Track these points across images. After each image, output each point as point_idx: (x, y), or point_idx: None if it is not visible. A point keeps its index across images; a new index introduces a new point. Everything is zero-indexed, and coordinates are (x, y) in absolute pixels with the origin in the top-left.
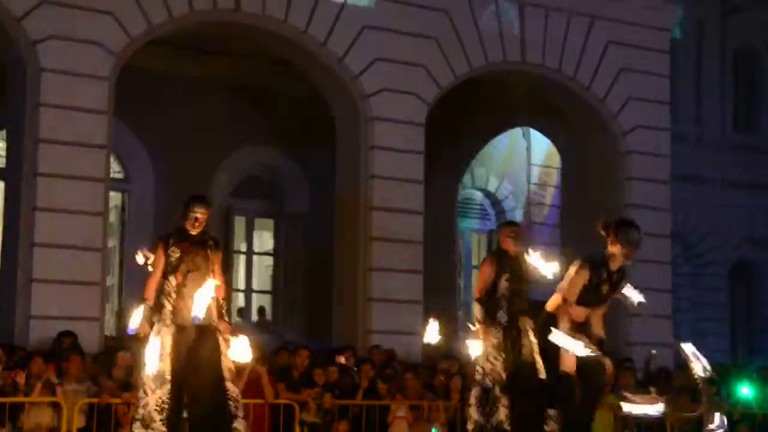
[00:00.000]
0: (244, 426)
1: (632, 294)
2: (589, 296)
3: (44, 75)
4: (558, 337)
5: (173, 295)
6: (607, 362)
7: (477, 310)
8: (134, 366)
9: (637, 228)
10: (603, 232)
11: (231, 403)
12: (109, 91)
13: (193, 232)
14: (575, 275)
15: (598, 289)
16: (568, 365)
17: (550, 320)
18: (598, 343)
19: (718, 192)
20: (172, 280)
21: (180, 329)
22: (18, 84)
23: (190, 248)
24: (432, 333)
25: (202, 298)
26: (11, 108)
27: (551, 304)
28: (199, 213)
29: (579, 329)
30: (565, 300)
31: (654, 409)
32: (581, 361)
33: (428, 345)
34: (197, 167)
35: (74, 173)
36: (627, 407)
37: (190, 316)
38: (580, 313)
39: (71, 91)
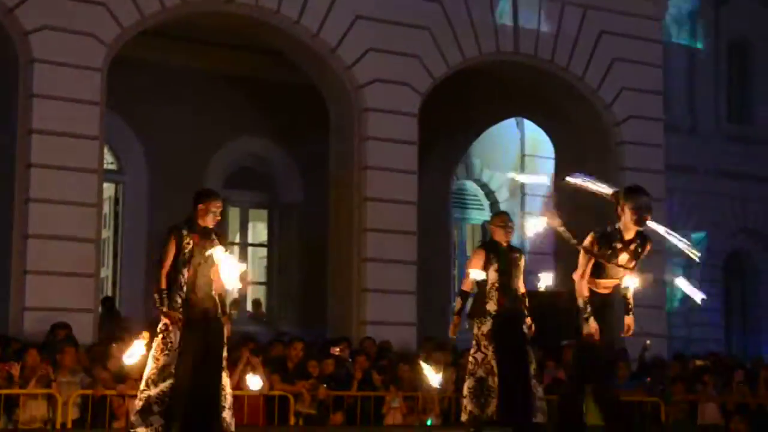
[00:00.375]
0: (230, 416)
1: (691, 291)
2: (607, 267)
3: (37, 66)
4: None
5: (185, 288)
6: (627, 321)
7: (458, 302)
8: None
9: (645, 193)
10: (614, 202)
11: (224, 394)
12: (102, 82)
13: (211, 226)
14: (587, 243)
15: (616, 258)
16: (590, 331)
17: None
18: (624, 302)
19: (712, 182)
20: (185, 273)
21: (191, 323)
22: (10, 75)
23: (201, 241)
24: None
25: (231, 270)
26: (4, 99)
27: (576, 276)
28: (218, 207)
29: (605, 303)
30: (582, 275)
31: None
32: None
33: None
34: (191, 158)
35: (67, 164)
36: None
37: (201, 310)
38: (606, 285)
39: (64, 82)
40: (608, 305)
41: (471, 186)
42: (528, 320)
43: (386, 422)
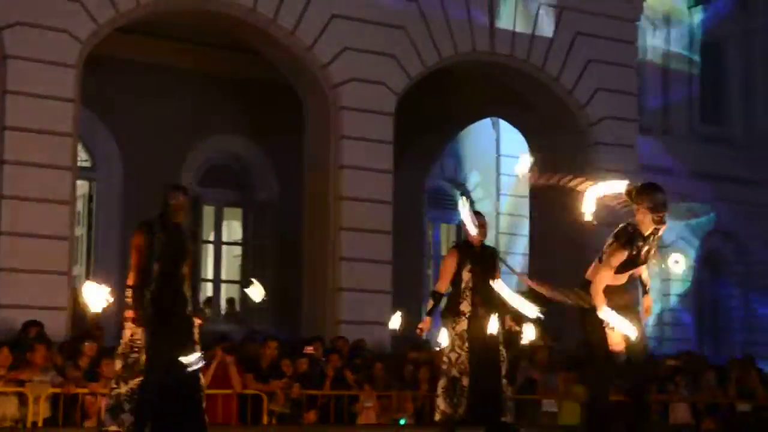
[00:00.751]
0: (203, 416)
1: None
2: (629, 265)
3: (10, 62)
4: (606, 314)
5: (154, 285)
6: (646, 301)
7: (430, 302)
8: (102, 355)
9: (661, 190)
10: (629, 200)
11: (201, 394)
12: (77, 79)
13: (179, 221)
14: (613, 257)
15: (638, 255)
16: (616, 343)
17: (586, 290)
18: (641, 282)
19: (685, 183)
20: (155, 269)
21: (160, 319)
22: None
23: (171, 238)
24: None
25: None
26: None
27: (590, 274)
28: (186, 202)
29: (615, 297)
30: (600, 281)
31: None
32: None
33: (395, 334)
34: (165, 156)
35: (41, 161)
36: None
37: (170, 306)
38: (622, 278)
39: (38, 79)
40: (628, 305)
41: (446, 186)
42: (502, 320)
43: (359, 421)
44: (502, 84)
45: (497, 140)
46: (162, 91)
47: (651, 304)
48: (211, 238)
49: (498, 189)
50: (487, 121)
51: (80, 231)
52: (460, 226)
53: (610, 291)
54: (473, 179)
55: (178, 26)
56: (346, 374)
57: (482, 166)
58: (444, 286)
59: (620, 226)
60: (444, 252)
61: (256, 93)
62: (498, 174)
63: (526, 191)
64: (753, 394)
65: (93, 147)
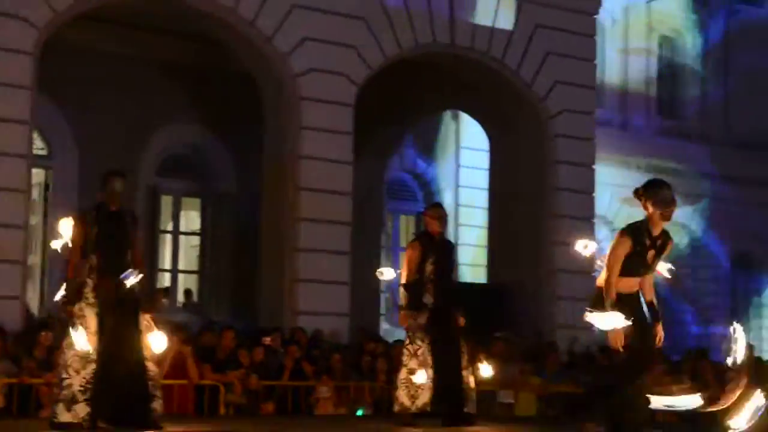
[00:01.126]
0: (161, 405)
1: (660, 266)
2: (634, 265)
3: None
4: (592, 317)
5: (95, 273)
6: (657, 329)
7: (402, 295)
8: (56, 346)
9: (668, 186)
10: (637, 199)
11: (150, 383)
12: (33, 66)
13: (113, 208)
14: (617, 245)
15: (643, 256)
16: (616, 339)
17: (599, 298)
18: (650, 308)
19: (643, 177)
20: (93, 258)
21: (104, 307)
22: None
23: (109, 224)
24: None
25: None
26: None
27: (600, 281)
28: (119, 187)
29: (628, 302)
30: (610, 275)
31: (690, 401)
32: (627, 331)
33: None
34: (122, 145)
35: None
36: (661, 401)
37: (114, 293)
38: (630, 284)
39: None
40: (637, 303)
41: (406, 177)
42: (460, 312)
43: (317, 412)
44: (462, 76)
45: (457, 132)
46: (120, 79)
47: (661, 333)
48: (169, 227)
49: (457, 181)
50: (447, 113)
51: (35, 220)
52: (419, 217)
53: (622, 301)
54: (433, 171)
55: (137, 14)
56: (303, 365)
57: (442, 157)
58: (410, 278)
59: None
60: (403, 243)
61: (215, 82)
62: (458, 166)
63: (485, 183)
64: (706, 385)
65: (49, 135)
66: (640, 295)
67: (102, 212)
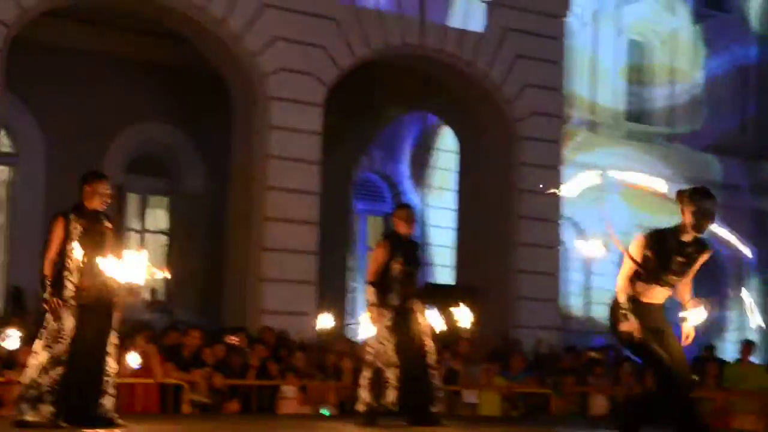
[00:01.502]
0: (112, 403)
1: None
2: (658, 271)
3: None
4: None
5: (76, 274)
6: (686, 327)
7: (369, 293)
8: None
9: (713, 199)
10: (678, 201)
11: (106, 379)
12: (1, 64)
13: (99, 209)
14: (632, 246)
15: (668, 262)
16: (629, 328)
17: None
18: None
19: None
20: (73, 259)
21: (83, 309)
22: None
23: (90, 225)
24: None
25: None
26: None
27: (619, 283)
28: (106, 190)
29: (653, 312)
30: (621, 276)
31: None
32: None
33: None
34: (90, 143)
35: None
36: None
37: (91, 295)
38: (657, 294)
39: None
40: (656, 309)
41: (374, 178)
42: (427, 312)
43: (281, 411)
44: (431, 77)
45: (426, 133)
46: (88, 77)
47: (692, 332)
48: (137, 226)
49: (425, 182)
50: (416, 114)
51: (2, 218)
52: (387, 217)
53: (645, 309)
54: (402, 172)
55: (105, 12)
56: (268, 365)
57: (411, 158)
58: (377, 276)
59: None
60: (371, 244)
61: (184, 81)
62: (426, 167)
63: (454, 185)
64: None
65: (16, 133)
66: (660, 307)
67: (82, 213)
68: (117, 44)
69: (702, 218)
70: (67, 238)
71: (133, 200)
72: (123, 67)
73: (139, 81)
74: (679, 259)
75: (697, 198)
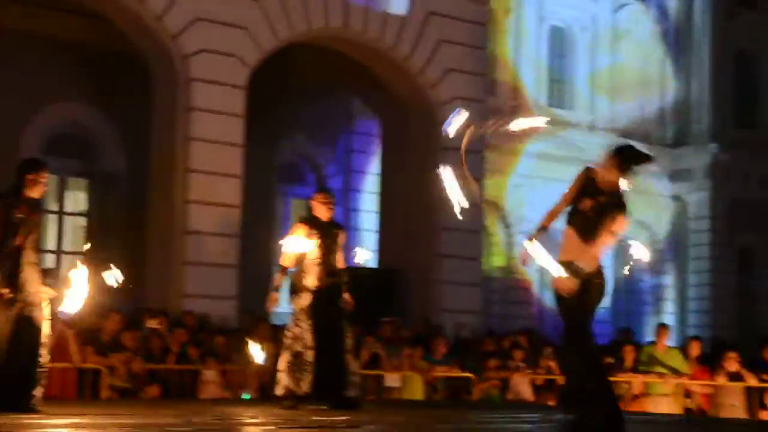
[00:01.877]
0: (41, 394)
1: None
2: (576, 216)
3: None
4: (532, 247)
5: (10, 259)
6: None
7: (277, 277)
8: None
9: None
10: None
11: (38, 370)
12: None
13: (36, 196)
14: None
15: (579, 203)
16: (565, 286)
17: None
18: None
19: (535, 165)
20: (11, 245)
21: (11, 299)
22: None
23: (29, 213)
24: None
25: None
26: None
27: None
28: (46, 178)
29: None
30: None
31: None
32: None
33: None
34: (6, 123)
35: None
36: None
37: (30, 287)
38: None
39: None
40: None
41: (297, 160)
42: (346, 295)
43: (202, 396)
44: (355, 61)
45: (349, 117)
46: (5, 55)
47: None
48: (54, 208)
49: (349, 165)
50: (339, 97)
51: None
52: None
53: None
54: (325, 155)
55: None
56: (189, 349)
57: (334, 142)
58: (290, 260)
59: None
60: None
61: (104, 60)
62: (349, 150)
63: (376, 168)
64: None
65: None
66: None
67: (21, 199)
68: (35, 22)
69: (615, 160)
70: (6, 224)
71: (51, 182)
72: (42, 45)
73: (58, 60)
74: (589, 201)
75: (620, 147)
